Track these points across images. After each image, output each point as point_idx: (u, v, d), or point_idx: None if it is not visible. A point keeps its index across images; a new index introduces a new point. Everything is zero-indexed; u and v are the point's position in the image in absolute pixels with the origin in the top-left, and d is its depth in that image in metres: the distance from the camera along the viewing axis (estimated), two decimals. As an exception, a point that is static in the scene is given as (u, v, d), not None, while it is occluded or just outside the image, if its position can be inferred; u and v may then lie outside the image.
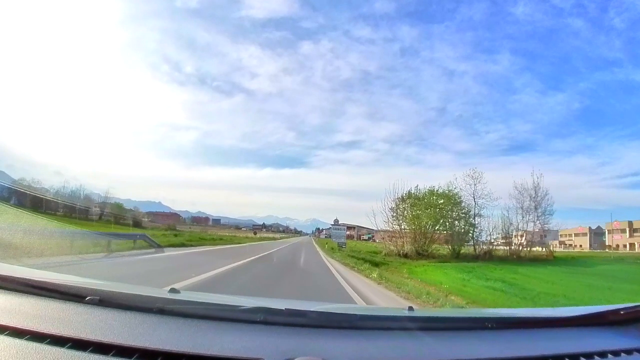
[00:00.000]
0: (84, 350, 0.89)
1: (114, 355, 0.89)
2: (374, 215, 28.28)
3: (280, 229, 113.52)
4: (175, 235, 22.14)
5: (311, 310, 1.19)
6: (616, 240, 53.41)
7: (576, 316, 1.33)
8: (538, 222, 28.48)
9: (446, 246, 27.05)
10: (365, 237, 70.93)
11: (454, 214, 26.86)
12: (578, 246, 55.49)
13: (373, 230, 74.39)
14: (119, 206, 39.06)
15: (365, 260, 17.75)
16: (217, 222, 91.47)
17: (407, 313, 1.34)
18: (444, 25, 66.79)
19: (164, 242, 16.02)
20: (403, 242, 25.35)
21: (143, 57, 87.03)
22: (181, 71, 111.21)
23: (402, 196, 28.18)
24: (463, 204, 27.54)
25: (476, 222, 28.00)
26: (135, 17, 75.32)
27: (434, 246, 26.14)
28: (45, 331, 0.95)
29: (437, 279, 14.41)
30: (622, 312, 1.29)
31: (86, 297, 1.16)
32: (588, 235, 58.09)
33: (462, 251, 26.40)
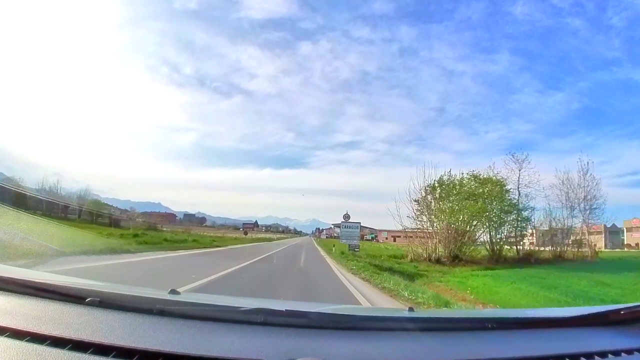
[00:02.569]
0: (84, 352, 0.87)
1: (114, 356, 0.87)
2: (398, 210, 21.15)
3: (280, 229, 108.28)
4: (135, 236, 16.27)
5: (311, 311, 1.15)
6: (636, 238, 48.38)
7: (577, 316, 1.30)
8: (590, 216, 22.70)
9: (481, 247, 20.62)
10: (368, 237, 64.94)
11: (504, 206, 20.19)
12: (593, 245, 50.23)
13: (375, 230, 69.06)
14: (96, 203, 33.03)
15: (391, 271, 12.43)
16: (203, 221, 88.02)
17: (407, 314, 1.31)
18: (442, 26, 64.79)
19: (107, 245, 9.88)
20: (435, 244, 18.63)
21: (142, 59, 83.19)
22: (180, 73, 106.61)
23: (432, 184, 21.09)
24: (511, 194, 20.68)
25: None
26: (133, 19, 71.69)
27: (467, 248, 19.63)
28: (46, 333, 0.93)
29: (517, 301, 9.45)
30: (622, 312, 1.26)
31: (86, 299, 1.13)
32: (603, 233, 52.47)
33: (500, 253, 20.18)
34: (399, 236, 56.78)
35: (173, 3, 64.76)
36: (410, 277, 13.04)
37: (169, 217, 69.37)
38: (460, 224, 19.65)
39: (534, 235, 26.52)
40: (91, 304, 1.11)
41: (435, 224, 20.09)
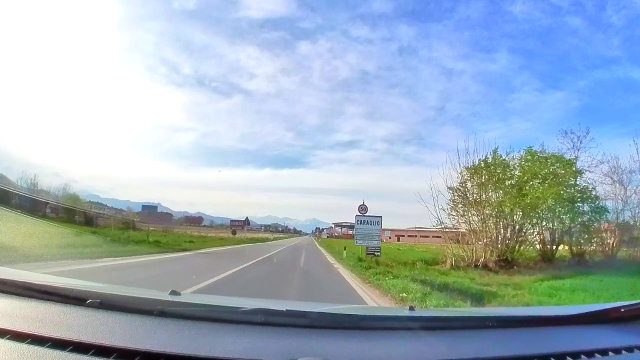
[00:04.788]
0: (85, 354, 0.86)
1: (115, 357, 0.85)
2: (435, 199, 14.38)
3: (279, 229, 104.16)
4: (79, 234, 13.50)
5: (312, 311, 1.12)
6: (652, 235, 44.42)
7: (577, 314, 1.26)
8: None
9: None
10: (371, 236, 60.14)
11: (575, 192, 15.26)
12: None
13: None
14: (73, 199, 29.24)
15: (448, 289, 8.34)
16: (201, 220, 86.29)
17: (408, 313, 1.27)
18: (441, 24, 63.18)
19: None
20: (485, 245, 13.75)
21: (141, 59, 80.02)
22: (179, 73, 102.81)
23: (475, 165, 14.57)
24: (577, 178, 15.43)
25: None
26: (132, 19, 68.38)
27: (521, 249, 14.90)
28: (47, 335, 0.91)
29: None
30: (622, 310, 1.23)
31: (87, 300, 1.11)
32: (616, 231, 48.39)
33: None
34: (403, 235, 51.84)
35: (172, 3, 61.92)
36: (477, 297, 8.43)
37: (166, 217, 68.22)
38: (518, 217, 14.17)
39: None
40: (92, 306, 1.09)
41: (479, 219, 14.15)
